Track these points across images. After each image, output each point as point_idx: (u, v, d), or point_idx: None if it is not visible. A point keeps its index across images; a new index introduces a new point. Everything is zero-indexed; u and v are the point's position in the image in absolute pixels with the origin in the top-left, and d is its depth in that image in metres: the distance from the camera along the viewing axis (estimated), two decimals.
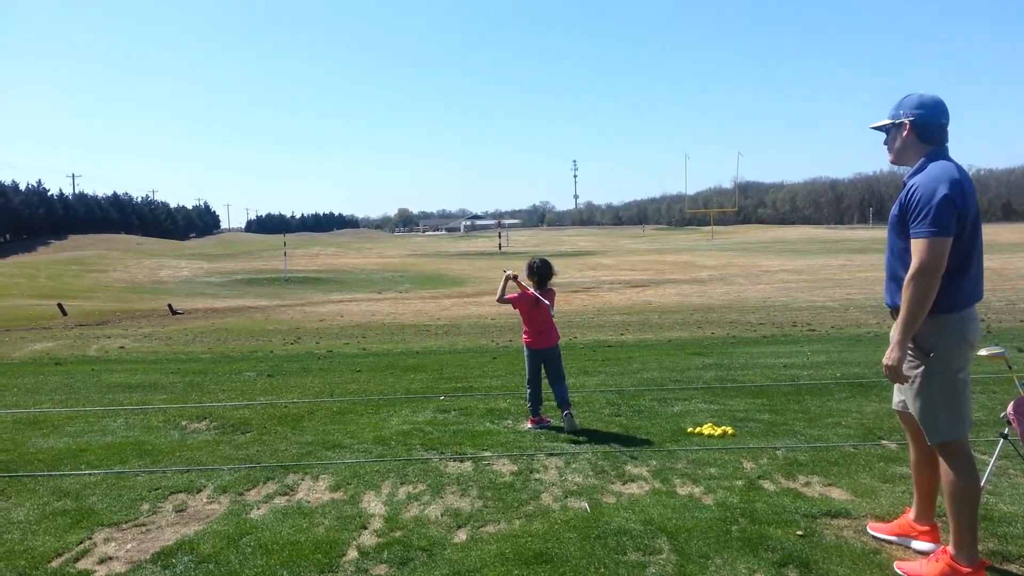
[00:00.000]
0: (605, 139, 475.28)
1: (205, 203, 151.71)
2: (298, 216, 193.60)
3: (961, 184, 3.03)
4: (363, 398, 7.21)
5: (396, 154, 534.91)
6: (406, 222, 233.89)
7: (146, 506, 4.26)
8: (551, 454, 5.05)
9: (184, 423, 6.28)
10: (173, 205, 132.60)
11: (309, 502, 4.26)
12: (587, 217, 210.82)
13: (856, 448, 5.03)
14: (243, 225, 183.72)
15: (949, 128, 3.21)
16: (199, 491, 4.48)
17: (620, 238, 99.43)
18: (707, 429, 5.53)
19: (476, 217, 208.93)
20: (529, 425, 5.79)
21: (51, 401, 7.48)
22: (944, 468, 3.17)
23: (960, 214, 3.01)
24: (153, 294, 34.15)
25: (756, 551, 3.45)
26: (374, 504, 4.20)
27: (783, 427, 5.60)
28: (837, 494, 4.18)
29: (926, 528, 3.47)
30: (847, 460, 4.74)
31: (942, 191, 2.99)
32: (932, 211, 2.98)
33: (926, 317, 3.06)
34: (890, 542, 3.53)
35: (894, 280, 3.26)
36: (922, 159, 3.18)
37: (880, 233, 78.68)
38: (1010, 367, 3.69)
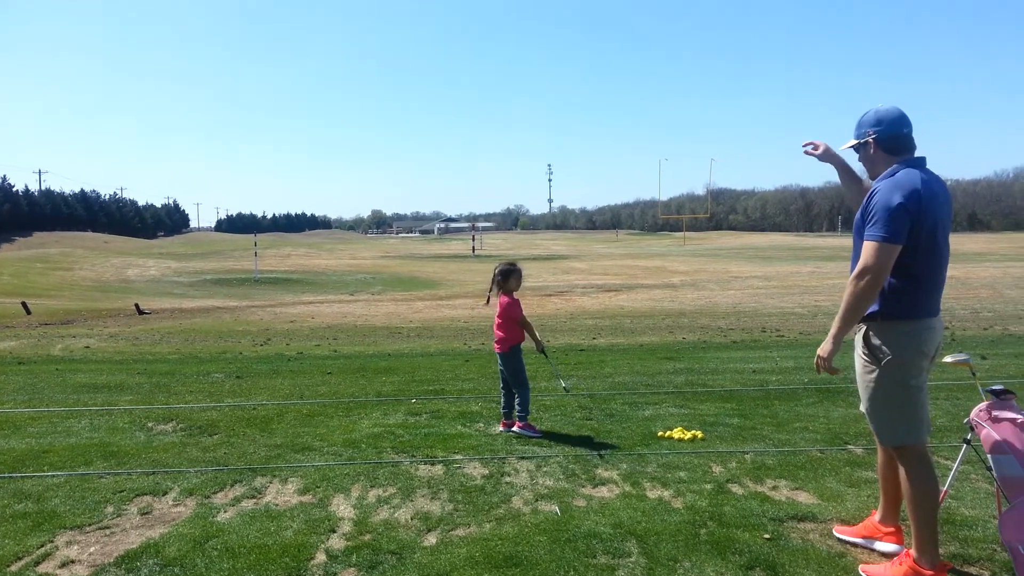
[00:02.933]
0: (580, 143, 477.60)
1: (174, 201, 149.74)
2: (269, 216, 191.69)
3: (919, 194, 3.08)
4: (334, 400, 7.15)
5: (370, 155, 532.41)
6: (379, 223, 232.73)
7: (110, 508, 4.18)
8: (522, 457, 5.05)
9: (150, 424, 6.18)
10: (142, 203, 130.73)
11: (277, 505, 4.21)
12: (561, 221, 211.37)
13: (823, 453, 5.10)
14: (213, 224, 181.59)
15: (914, 135, 3.29)
16: (165, 493, 4.42)
17: (594, 242, 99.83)
18: (677, 433, 5.57)
19: (450, 219, 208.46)
20: (500, 428, 5.79)
21: (13, 401, 7.32)
22: (903, 472, 3.26)
23: (916, 222, 3.07)
24: (120, 293, 33.60)
25: (724, 554, 3.48)
26: (343, 507, 4.16)
27: (752, 431, 5.65)
28: (804, 498, 4.23)
29: (891, 529, 3.53)
30: (814, 464, 4.80)
31: (897, 198, 3.06)
32: (885, 216, 3.06)
33: (882, 323, 3.19)
34: (856, 544, 3.60)
35: None
36: (893, 167, 3.24)
37: (849, 241, 79.77)
38: (973, 374, 3.76)
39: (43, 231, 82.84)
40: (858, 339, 3.39)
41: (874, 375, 3.26)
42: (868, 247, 3.09)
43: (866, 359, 3.29)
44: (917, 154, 3.28)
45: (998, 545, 3.45)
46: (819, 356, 3.28)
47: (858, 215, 3.27)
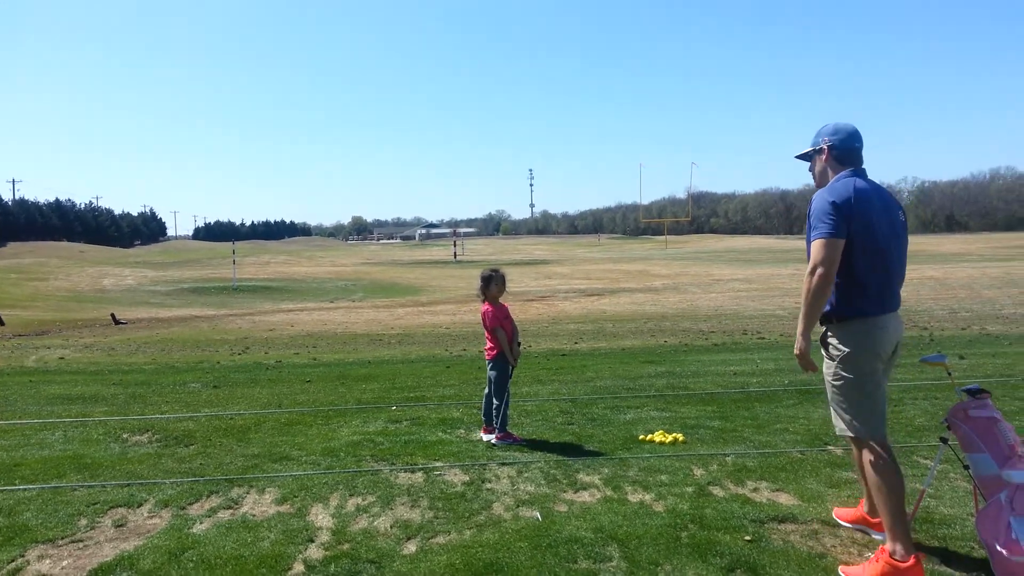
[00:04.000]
0: (561, 148, 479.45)
1: (151, 210, 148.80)
2: (248, 224, 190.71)
3: (851, 197, 3.32)
4: (312, 409, 7.09)
5: (350, 161, 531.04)
6: (360, 230, 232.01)
7: (84, 521, 4.10)
8: (503, 463, 5.02)
9: (125, 436, 6.08)
10: (118, 212, 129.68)
11: (254, 516, 4.15)
12: (543, 226, 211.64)
13: (803, 454, 5.11)
14: (191, 232, 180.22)
15: (864, 153, 3.53)
16: (140, 505, 4.34)
17: (575, 247, 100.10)
18: (658, 436, 5.56)
19: (431, 225, 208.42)
20: (482, 435, 5.76)
21: None
22: (867, 466, 3.41)
23: (853, 220, 3.29)
24: (96, 303, 33.19)
25: (705, 557, 3.47)
26: (322, 517, 4.11)
27: (732, 434, 5.66)
28: (785, 499, 4.23)
29: (878, 520, 3.58)
30: (794, 466, 4.81)
31: (828, 199, 3.34)
32: (820, 216, 3.34)
33: (836, 324, 3.42)
34: (859, 530, 3.75)
35: None
36: (836, 176, 3.49)
37: None
38: (950, 374, 3.79)
39: (17, 241, 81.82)
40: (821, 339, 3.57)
41: (831, 372, 3.47)
42: (814, 246, 3.33)
43: (825, 357, 3.52)
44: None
45: (976, 543, 3.47)
46: (795, 354, 3.48)
47: (807, 228, 3.50)
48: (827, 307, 3.40)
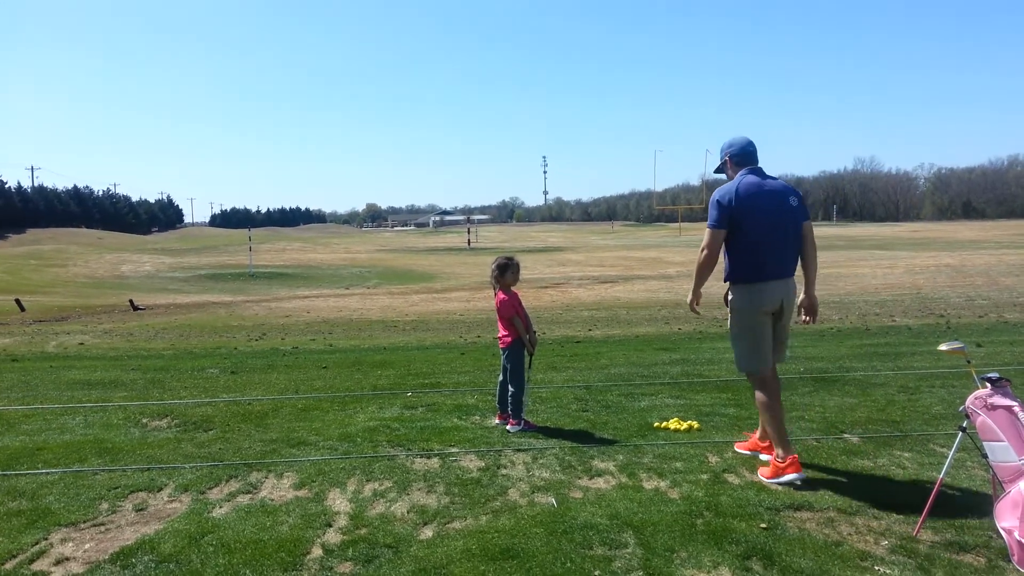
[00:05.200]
0: (575, 135, 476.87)
1: (168, 197, 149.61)
2: (264, 210, 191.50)
3: (735, 192, 4.35)
4: (329, 395, 7.14)
5: (365, 148, 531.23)
6: (374, 217, 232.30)
7: (105, 505, 4.17)
8: (518, 450, 5.04)
9: (145, 421, 6.16)
10: (135, 199, 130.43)
11: (273, 500, 4.20)
12: (556, 213, 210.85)
13: (819, 441, 5.10)
14: (207, 219, 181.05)
15: (757, 151, 4.59)
16: (160, 490, 4.40)
17: (589, 234, 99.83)
18: (673, 424, 5.57)
19: (445, 213, 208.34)
20: (496, 421, 5.78)
21: (7, 399, 7.29)
22: (756, 393, 4.50)
23: (732, 212, 4.32)
24: (114, 289, 33.51)
25: (721, 544, 3.48)
26: (339, 502, 4.15)
27: (748, 421, 5.65)
28: (800, 487, 4.23)
29: (767, 444, 4.59)
30: (810, 453, 4.81)
31: (715, 197, 4.42)
32: (710, 210, 4.44)
33: (731, 284, 4.51)
34: (751, 456, 4.76)
35: None
36: (735, 176, 4.51)
37: (843, 230, 79.95)
38: (968, 361, 3.76)
39: (37, 228, 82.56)
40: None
41: (729, 320, 4.65)
42: (705, 233, 4.41)
43: (727, 306, 4.62)
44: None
45: (994, 532, 3.46)
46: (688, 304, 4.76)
47: None
48: (726, 272, 4.51)
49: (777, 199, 4.37)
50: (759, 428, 4.75)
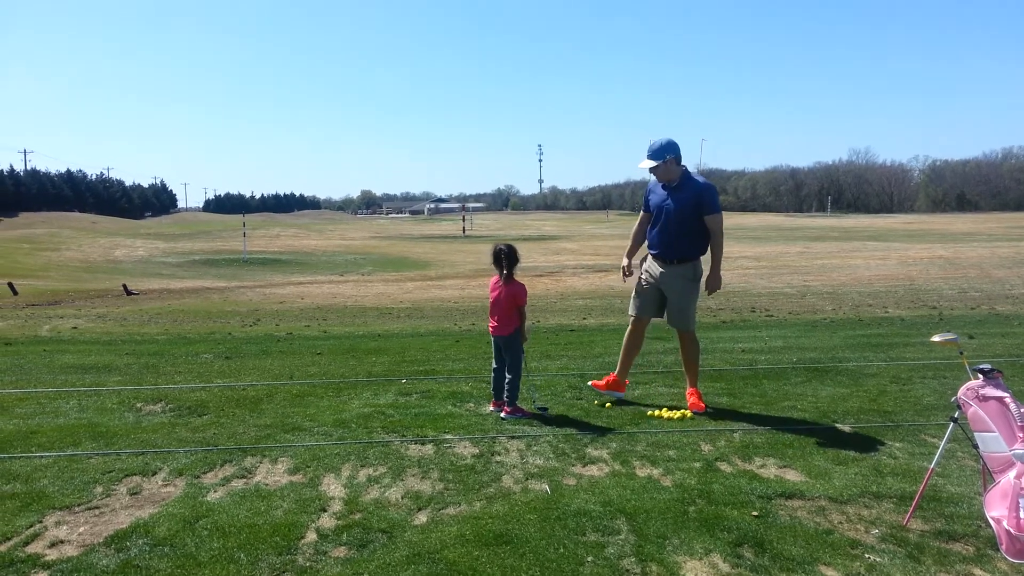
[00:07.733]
0: (570, 124, 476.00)
1: (162, 181, 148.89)
2: (258, 196, 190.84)
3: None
4: (324, 381, 7.14)
5: (359, 135, 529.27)
6: (369, 204, 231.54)
7: (99, 489, 4.17)
8: (512, 437, 5.06)
9: (139, 405, 6.16)
10: (129, 183, 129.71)
11: (267, 485, 4.21)
12: (551, 202, 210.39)
13: (811, 431, 5.13)
14: (201, 204, 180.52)
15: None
16: (154, 474, 4.41)
17: (584, 223, 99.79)
18: (666, 412, 5.59)
19: (440, 200, 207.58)
20: (491, 408, 5.80)
21: (0, 383, 7.27)
22: (691, 345, 5.91)
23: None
24: (108, 274, 33.40)
25: (713, 531, 3.50)
26: (334, 487, 4.17)
27: (740, 410, 5.68)
28: (792, 476, 4.27)
29: (627, 382, 6.09)
30: (802, 442, 4.84)
31: (713, 187, 5.57)
32: (716, 199, 5.55)
33: (698, 259, 5.64)
34: (613, 394, 5.97)
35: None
36: (685, 172, 5.58)
37: (838, 222, 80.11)
38: (961, 353, 3.79)
39: (29, 211, 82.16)
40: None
41: (688, 288, 5.76)
42: (717, 220, 5.54)
43: (685, 280, 5.76)
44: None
45: (983, 521, 3.49)
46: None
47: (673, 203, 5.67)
48: (699, 249, 5.56)
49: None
50: (620, 368, 6.07)
